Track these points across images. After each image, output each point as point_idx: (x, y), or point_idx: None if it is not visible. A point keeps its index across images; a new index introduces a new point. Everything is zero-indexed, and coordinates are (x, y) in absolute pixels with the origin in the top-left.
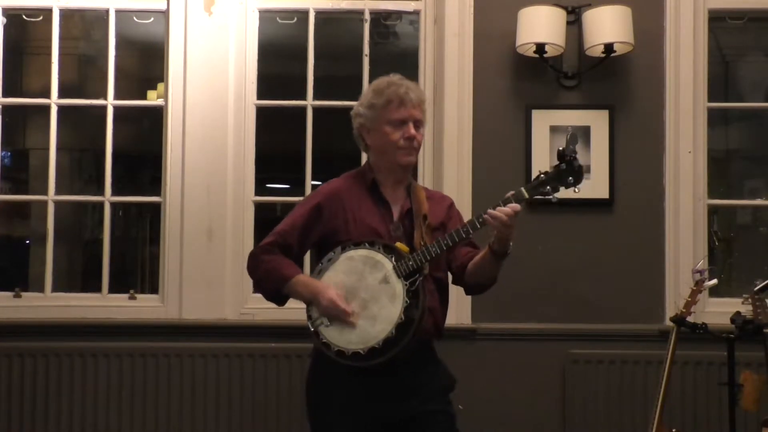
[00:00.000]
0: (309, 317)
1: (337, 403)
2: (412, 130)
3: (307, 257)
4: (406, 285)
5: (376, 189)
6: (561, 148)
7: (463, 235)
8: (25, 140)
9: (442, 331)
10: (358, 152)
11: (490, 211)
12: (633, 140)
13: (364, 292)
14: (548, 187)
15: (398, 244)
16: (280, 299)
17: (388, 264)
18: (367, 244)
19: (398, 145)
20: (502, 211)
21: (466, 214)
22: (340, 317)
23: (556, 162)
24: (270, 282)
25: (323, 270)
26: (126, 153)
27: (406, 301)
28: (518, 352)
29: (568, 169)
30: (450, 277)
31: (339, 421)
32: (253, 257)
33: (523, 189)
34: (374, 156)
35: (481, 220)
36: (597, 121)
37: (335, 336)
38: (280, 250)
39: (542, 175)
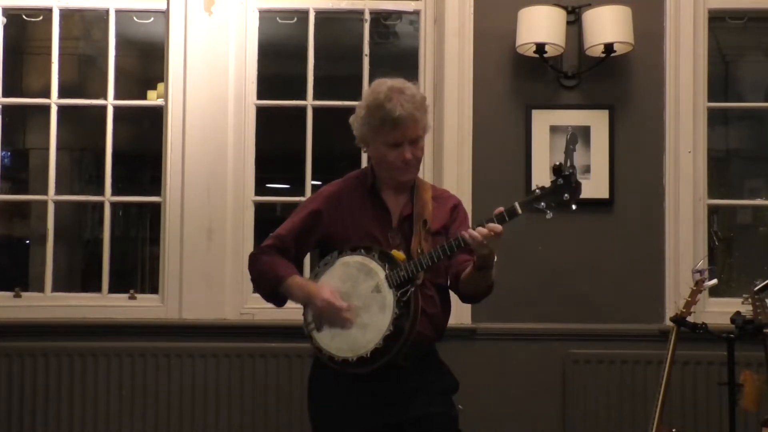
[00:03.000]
0: (304, 320)
1: (338, 406)
2: (408, 154)
3: (306, 258)
4: (396, 295)
5: (376, 194)
6: (558, 163)
7: (448, 253)
8: (25, 140)
9: (443, 335)
10: (358, 152)
11: (469, 230)
12: (633, 140)
13: (357, 299)
14: (542, 204)
15: (394, 252)
16: (278, 300)
17: (380, 273)
18: (363, 251)
19: (394, 166)
20: (480, 232)
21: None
22: (336, 315)
23: (553, 177)
24: (266, 282)
25: (319, 274)
26: (126, 153)
27: (396, 312)
28: (518, 352)
29: (565, 184)
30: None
31: (341, 424)
32: (252, 258)
33: (516, 204)
34: (375, 165)
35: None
36: (597, 121)
37: (326, 341)
38: (278, 253)
39: (537, 190)
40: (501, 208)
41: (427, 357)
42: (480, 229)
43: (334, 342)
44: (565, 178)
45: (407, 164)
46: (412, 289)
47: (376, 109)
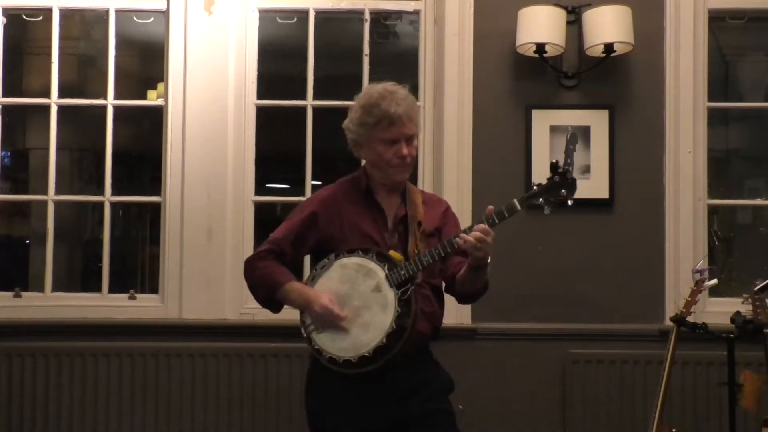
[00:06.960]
0: (302, 322)
1: (335, 407)
2: (404, 150)
3: (306, 260)
4: (397, 294)
5: (370, 196)
6: (555, 161)
7: (449, 250)
8: (25, 140)
9: (439, 334)
10: None
11: (462, 235)
12: (633, 140)
13: (357, 299)
14: (541, 200)
15: (392, 253)
16: (274, 306)
17: (380, 272)
18: (360, 252)
19: (391, 163)
20: (473, 236)
21: (467, 215)
22: (333, 322)
23: (549, 174)
24: (263, 288)
25: (316, 277)
26: (126, 153)
27: (398, 310)
28: (518, 352)
29: (561, 181)
30: (443, 284)
31: (341, 424)
32: (248, 264)
33: (515, 201)
34: (369, 167)
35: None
36: (597, 121)
37: (327, 343)
38: (275, 257)
39: (535, 187)
40: (491, 207)
41: (422, 357)
42: (472, 234)
43: (335, 343)
44: (561, 174)
45: (404, 161)
46: (413, 288)
47: (371, 107)
